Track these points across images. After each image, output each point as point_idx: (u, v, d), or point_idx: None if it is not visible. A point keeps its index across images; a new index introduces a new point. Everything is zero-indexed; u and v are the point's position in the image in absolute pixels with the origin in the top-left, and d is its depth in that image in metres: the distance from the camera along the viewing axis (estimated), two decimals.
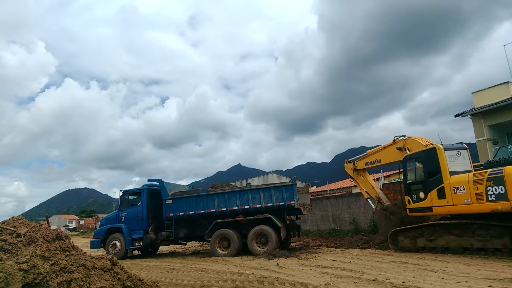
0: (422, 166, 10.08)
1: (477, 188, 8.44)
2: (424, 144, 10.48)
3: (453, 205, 8.98)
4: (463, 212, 8.87)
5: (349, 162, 13.57)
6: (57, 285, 3.95)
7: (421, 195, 9.91)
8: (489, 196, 8.16)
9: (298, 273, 7.50)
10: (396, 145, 11.31)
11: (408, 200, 10.46)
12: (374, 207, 12.76)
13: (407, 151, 10.85)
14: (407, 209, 10.56)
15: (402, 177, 10.98)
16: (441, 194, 9.29)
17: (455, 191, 8.96)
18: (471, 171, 9.25)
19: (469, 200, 8.61)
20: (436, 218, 10.21)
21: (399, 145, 11.18)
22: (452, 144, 10.00)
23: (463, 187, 8.79)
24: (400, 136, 11.48)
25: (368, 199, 13.08)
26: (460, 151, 9.79)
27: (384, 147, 12.11)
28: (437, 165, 9.45)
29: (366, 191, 13.13)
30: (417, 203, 10.08)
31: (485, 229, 8.47)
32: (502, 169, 8.06)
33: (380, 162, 12.28)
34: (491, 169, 8.48)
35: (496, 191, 8.03)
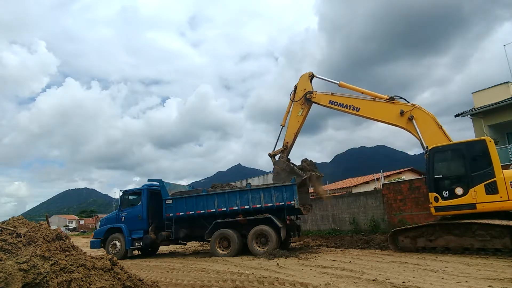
0: (463, 159, 9.28)
1: None
2: (438, 125, 9.72)
3: (509, 200, 8.51)
4: None
5: (310, 79, 11.16)
6: (57, 285, 3.94)
7: (458, 191, 9.11)
8: None
9: (298, 273, 7.49)
10: (397, 105, 10.06)
11: (436, 198, 9.39)
12: (276, 151, 11.24)
13: (413, 121, 9.82)
14: (433, 208, 9.48)
15: (427, 171, 9.60)
16: (492, 189, 8.68)
17: None
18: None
19: None
20: (436, 218, 10.21)
21: (404, 109, 9.91)
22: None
23: None
24: (400, 97, 10.31)
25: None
26: None
27: (374, 99, 10.59)
28: (488, 158, 8.85)
29: (288, 129, 11.30)
30: (451, 200, 9.16)
31: (485, 229, 8.47)
32: None
33: (357, 111, 10.52)
34: None
35: None
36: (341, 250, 11.70)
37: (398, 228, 10.71)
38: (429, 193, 9.62)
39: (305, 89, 11.30)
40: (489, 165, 8.84)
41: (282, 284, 6.42)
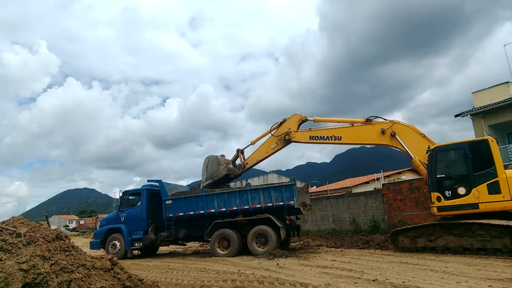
0: (465, 159, 9.25)
1: None
2: (421, 133, 10.02)
3: (511, 200, 8.54)
4: None
5: (300, 122, 11.26)
6: (57, 285, 3.94)
7: (461, 190, 9.10)
8: None
9: (298, 273, 7.49)
10: (376, 126, 10.33)
11: (438, 197, 9.36)
12: (228, 165, 11.92)
13: (396, 136, 10.09)
14: (435, 208, 9.45)
15: (429, 171, 9.59)
16: (495, 189, 8.68)
17: None
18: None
19: None
20: (436, 218, 10.21)
21: (383, 127, 10.21)
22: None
23: None
24: (376, 117, 10.58)
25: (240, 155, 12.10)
26: None
27: (352, 124, 10.77)
28: (490, 158, 8.86)
29: (255, 153, 11.80)
30: (453, 200, 9.17)
31: (485, 229, 8.46)
32: None
33: (339, 140, 10.70)
34: None
35: None
36: (341, 250, 11.69)
37: (398, 228, 10.71)
38: (431, 193, 9.58)
39: (289, 129, 11.40)
40: (491, 165, 8.84)
41: (282, 284, 6.42)
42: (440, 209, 9.38)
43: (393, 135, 10.26)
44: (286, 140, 11.43)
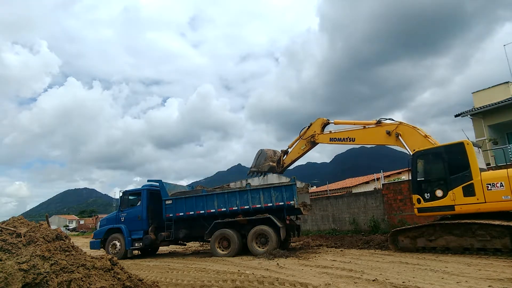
0: (442, 162, 9.52)
1: None
2: (423, 135, 10.21)
3: (486, 202, 8.67)
4: (498, 209, 8.59)
5: (323, 125, 12.39)
6: (57, 285, 3.94)
7: (438, 193, 9.42)
8: None
9: (298, 273, 7.49)
10: (383, 127, 10.85)
11: (418, 199, 9.81)
12: (270, 163, 13.24)
13: (399, 137, 10.48)
14: (416, 209, 9.95)
15: (411, 175, 10.15)
16: (469, 192, 8.87)
17: (489, 188, 8.64)
18: (485, 169, 9.11)
19: (508, 196, 8.34)
20: (436, 218, 10.21)
21: (389, 129, 10.72)
22: (472, 141, 9.65)
23: (501, 183, 8.49)
24: (386, 118, 11.11)
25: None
26: (478, 148, 9.64)
27: (364, 126, 11.52)
28: (465, 161, 9.02)
29: (284, 150, 13.33)
30: (431, 202, 9.51)
31: (485, 229, 8.46)
32: None
33: (353, 141, 11.60)
34: None
35: None
36: (341, 250, 11.69)
37: (398, 228, 10.72)
38: (413, 195, 10.03)
39: (314, 131, 12.63)
40: (467, 168, 9.03)
41: (282, 284, 6.43)
42: (420, 210, 9.82)
43: (397, 136, 10.63)
44: (312, 142, 12.61)
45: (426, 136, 10.25)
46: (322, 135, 12.35)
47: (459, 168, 9.17)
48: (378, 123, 11.16)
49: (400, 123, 10.83)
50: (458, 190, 9.08)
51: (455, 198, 9.10)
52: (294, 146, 13.28)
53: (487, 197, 8.68)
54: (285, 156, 13.56)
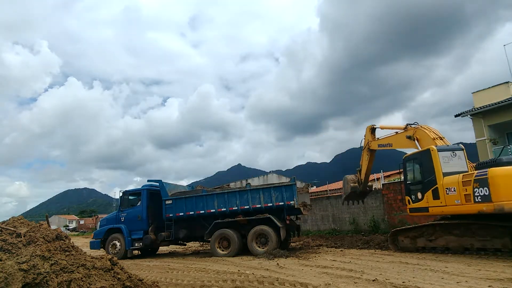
0: (420, 167, 10.13)
1: (466, 189, 8.52)
2: (432, 137, 10.39)
3: (446, 205, 9.10)
4: (454, 212, 9.02)
5: (371, 130, 13.11)
6: (57, 285, 3.94)
7: (419, 195, 10.03)
8: (475, 197, 8.24)
9: (298, 273, 7.49)
10: (406, 133, 11.23)
11: (408, 200, 10.56)
12: (351, 184, 13.41)
13: (416, 141, 10.82)
14: (408, 209, 10.72)
15: (403, 177, 10.95)
16: (436, 195, 9.41)
17: (447, 192, 9.06)
18: (467, 172, 9.22)
19: (459, 201, 8.70)
20: (436, 218, 10.22)
21: (409, 134, 11.09)
22: (448, 145, 9.98)
23: (454, 188, 8.87)
24: (412, 123, 11.37)
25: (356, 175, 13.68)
26: (455, 151, 9.71)
27: (396, 133, 12.06)
28: (432, 166, 9.51)
29: (359, 169, 13.56)
30: (415, 203, 10.21)
31: (485, 229, 8.47)
32: (487, 171, 8.11)
33: (391, 146, 12.24)
34: (477, 171, 8.54)
35: (481, 192, 8.11)
36: (341, 250, 11.69)
37: (398, 228, 10.76)
38: (405, 196, 10.81)
39: (368, 140, 13.06)
40: (433, 172, 9.49)
41: (282, 284, 6.43)
42: (410, 210, 10.63)
43: (415, 141, 10.96)
44: (370, 150, 12.99)
45: (434, 139, 10.34)
46: (374, 142, 12.84)
47: (429, 172, 9.69)
48: (405, 129, 11.48)
49: (418, 126, 11.08)
50: (429, 193, 9.65)
51: (428, 200, 9.70)
52: (361, 160, 13.61)
53: (447, 201, 9.06)
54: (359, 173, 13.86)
